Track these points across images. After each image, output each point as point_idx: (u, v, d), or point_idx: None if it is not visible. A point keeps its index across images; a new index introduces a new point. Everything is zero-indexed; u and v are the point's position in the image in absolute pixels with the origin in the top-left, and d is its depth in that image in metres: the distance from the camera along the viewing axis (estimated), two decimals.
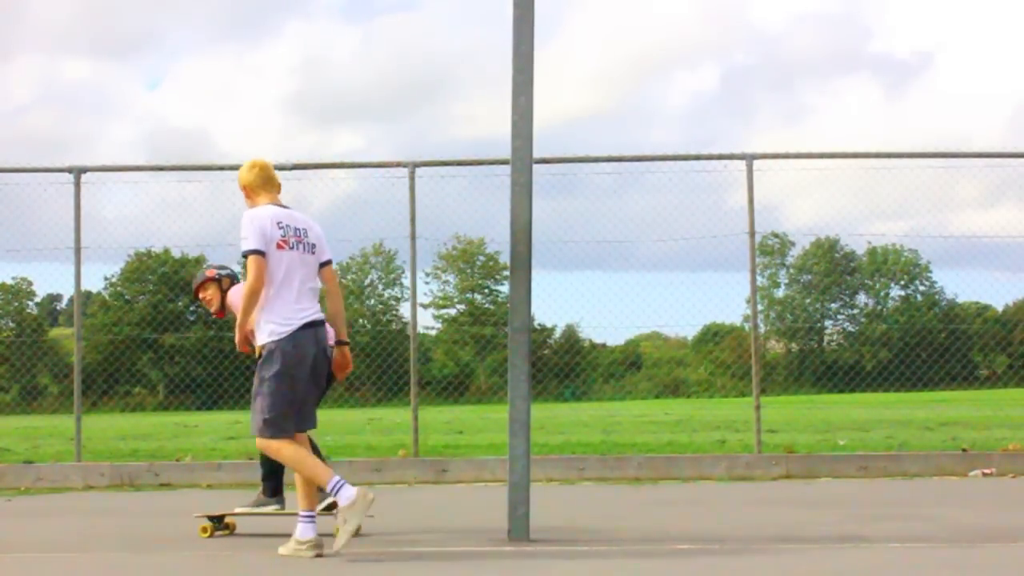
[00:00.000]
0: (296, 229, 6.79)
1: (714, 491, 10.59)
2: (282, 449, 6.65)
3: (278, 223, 6.71)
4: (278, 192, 6.98)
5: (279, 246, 6.67)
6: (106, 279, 49.38)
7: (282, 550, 6.71)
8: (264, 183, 6.95)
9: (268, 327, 6.63)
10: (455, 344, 47.34)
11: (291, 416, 6.70)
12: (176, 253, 42.48)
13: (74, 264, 12.18)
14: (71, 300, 16.11)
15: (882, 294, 62.37)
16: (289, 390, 6.64)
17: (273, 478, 8.07)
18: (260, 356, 6.68)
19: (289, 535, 6.75)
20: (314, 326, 6.73)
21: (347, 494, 6.45)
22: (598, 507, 9.40)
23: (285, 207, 6.91)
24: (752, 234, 12.06)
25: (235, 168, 12.51)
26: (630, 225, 13.42)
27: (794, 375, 54.26)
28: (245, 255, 6.62)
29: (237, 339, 6.72)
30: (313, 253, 6.85)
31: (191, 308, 51.28)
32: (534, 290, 7.38)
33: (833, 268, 60.52)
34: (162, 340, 42.39)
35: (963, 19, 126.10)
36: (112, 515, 9.25)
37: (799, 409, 31.18)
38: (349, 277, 57.35)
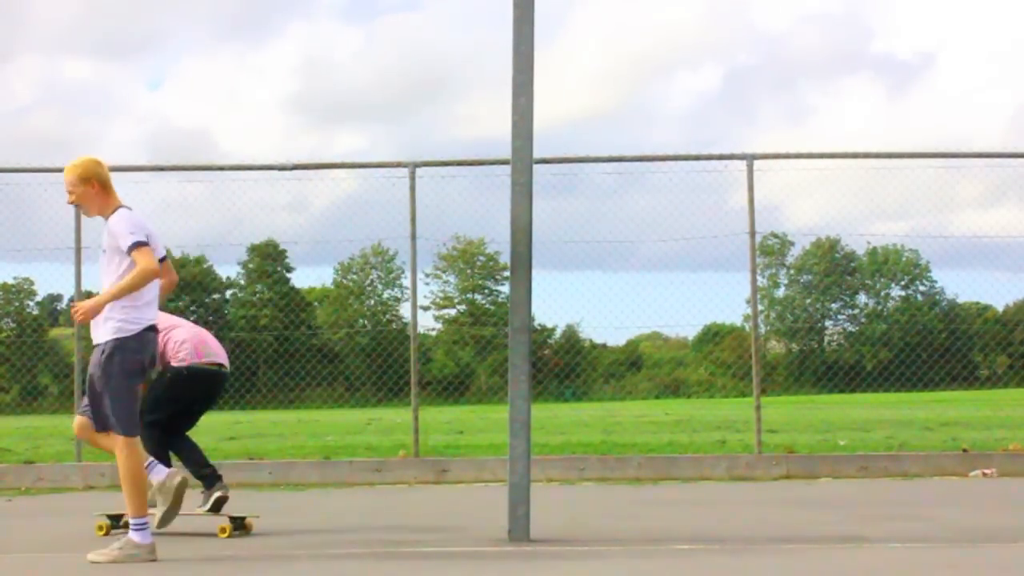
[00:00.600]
0: (152, 233, 6.76)
1: (714, 491, 10.59)
2: (139, 451, 6.65)
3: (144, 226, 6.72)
4: None
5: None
6: None
7: (94, 556, 6.54)
8: (110, 181, 6.85)
9: (114, 324, 6.57)
10: (455, 344, 47.38)
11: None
12: (177, 253, 42.55)
13: (75, 264, 12.18)
14: (71, 300, 16.10)
15: (883, 294, 62.38)
16: (134, 388, 6.66)
17: (208, 467, 7.99)
18: (104, 354, 6.58)
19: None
20: (154, 330, 6.76)
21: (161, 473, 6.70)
22: (598, 507, 9.40)
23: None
24: (752, 234, 12.05)
25: (237, 168, 12.59)
26: (631, 225, 13.41)
27: (794, 375, 54.28)
28: (133, 248, 6.50)
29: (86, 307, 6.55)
30: (162, 257, 6.87)
31: (192, 308, 51.43)
32: (534, 290, 7.39)
33: (833, 268, 60.52)
34: None
35: (965, 19, 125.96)
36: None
37: (799, 409, 31.18)
38: (350, 277, 57.48)
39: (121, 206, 6.75)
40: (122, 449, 6.58)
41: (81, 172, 6.76)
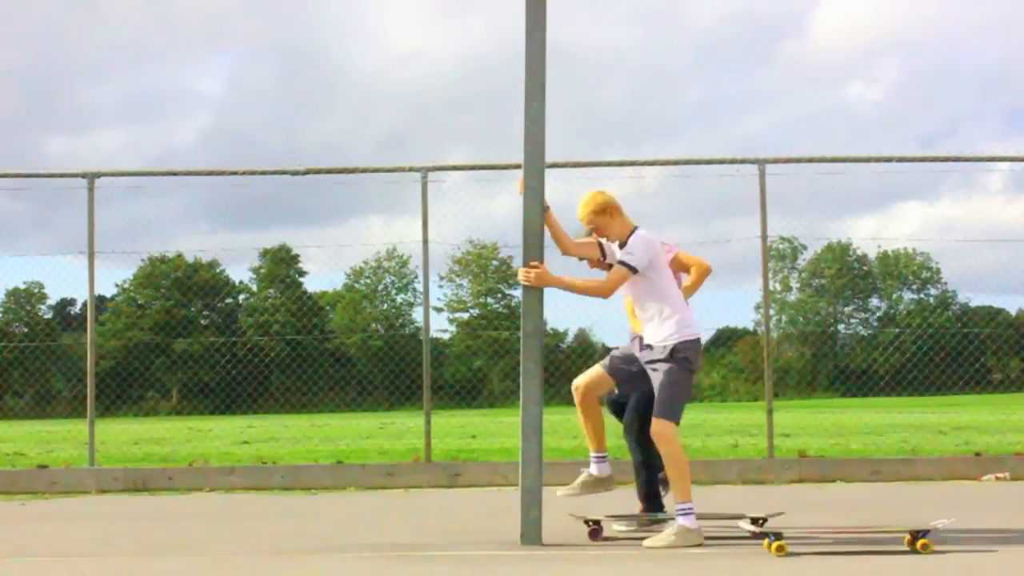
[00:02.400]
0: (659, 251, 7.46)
1: (727, 495, 10.57)
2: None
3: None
4: None
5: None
6: (117, 285, 49.55)
7: (649, 543, 7.06)
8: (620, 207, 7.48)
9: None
10: (468, 349, 47.41)
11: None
12: (189, 258, 42.64)
13: (88, 268, 12.20)
14: (84, 304, 16.15)
15: (895, 296, 62.28)
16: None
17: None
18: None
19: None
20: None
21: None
22: (611, 511, 9.38)
23: None
24: (764, 238, 12.03)
25: (249, 173, 12.55)
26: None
27: (807, 379, 54.21)
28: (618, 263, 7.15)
29: None
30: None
31: (204, 312, 51.45)
32: (546, 294, 7.39)
33: (845, 272, 60.45)
34: (175, 345, 42.47)
35: None
36: (126, 519, 9.28)
37: (812, 413, 31.12)
38: (363, 281, 57.59)
39: (637, 228, 7.30)
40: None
41: (594, 207, 7.32)
